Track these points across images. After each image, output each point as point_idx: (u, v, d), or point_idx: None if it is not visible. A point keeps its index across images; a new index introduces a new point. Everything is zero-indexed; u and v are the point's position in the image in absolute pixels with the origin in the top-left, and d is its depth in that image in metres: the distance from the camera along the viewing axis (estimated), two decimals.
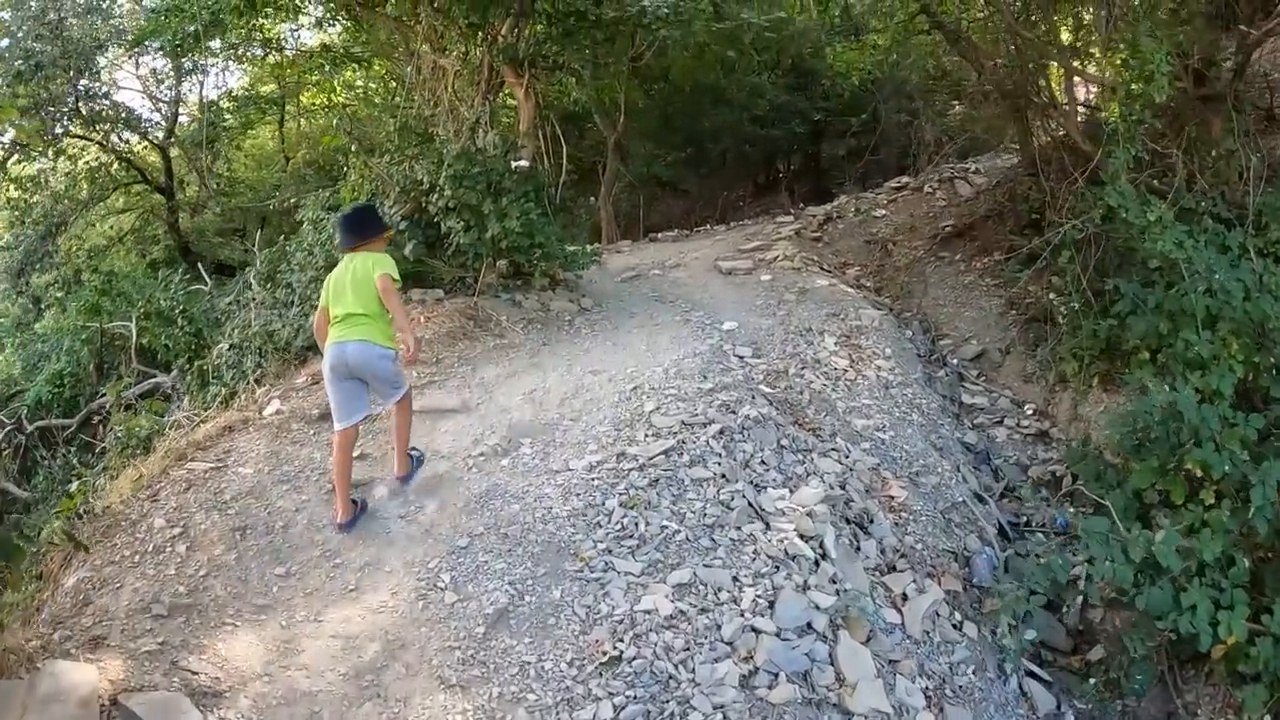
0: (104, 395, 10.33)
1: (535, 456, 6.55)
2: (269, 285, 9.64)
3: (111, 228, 20.46)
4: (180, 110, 19.80)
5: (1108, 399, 8.98)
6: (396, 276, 5.44)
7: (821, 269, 13.75)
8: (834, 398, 8.43)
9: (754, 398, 7.50)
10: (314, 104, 21.61)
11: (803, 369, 8.82)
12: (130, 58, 17.33)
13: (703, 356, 8.41)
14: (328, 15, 14.95)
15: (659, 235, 17.68)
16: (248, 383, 8.28)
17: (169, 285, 11.07)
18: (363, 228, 5.67)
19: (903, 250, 14.81)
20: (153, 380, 10.28)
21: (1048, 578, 6.03)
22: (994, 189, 14.70)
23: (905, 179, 18.58)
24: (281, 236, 10.38)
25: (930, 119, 21.47)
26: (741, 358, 8.75)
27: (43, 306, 15.70)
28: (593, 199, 19.18)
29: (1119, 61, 9.06)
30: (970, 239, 13.88)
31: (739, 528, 5.65)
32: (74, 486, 7.03)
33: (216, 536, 5.71)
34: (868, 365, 9.36)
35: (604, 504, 5.78)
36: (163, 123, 19.24)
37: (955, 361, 11.34)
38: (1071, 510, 7.55)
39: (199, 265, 14.53)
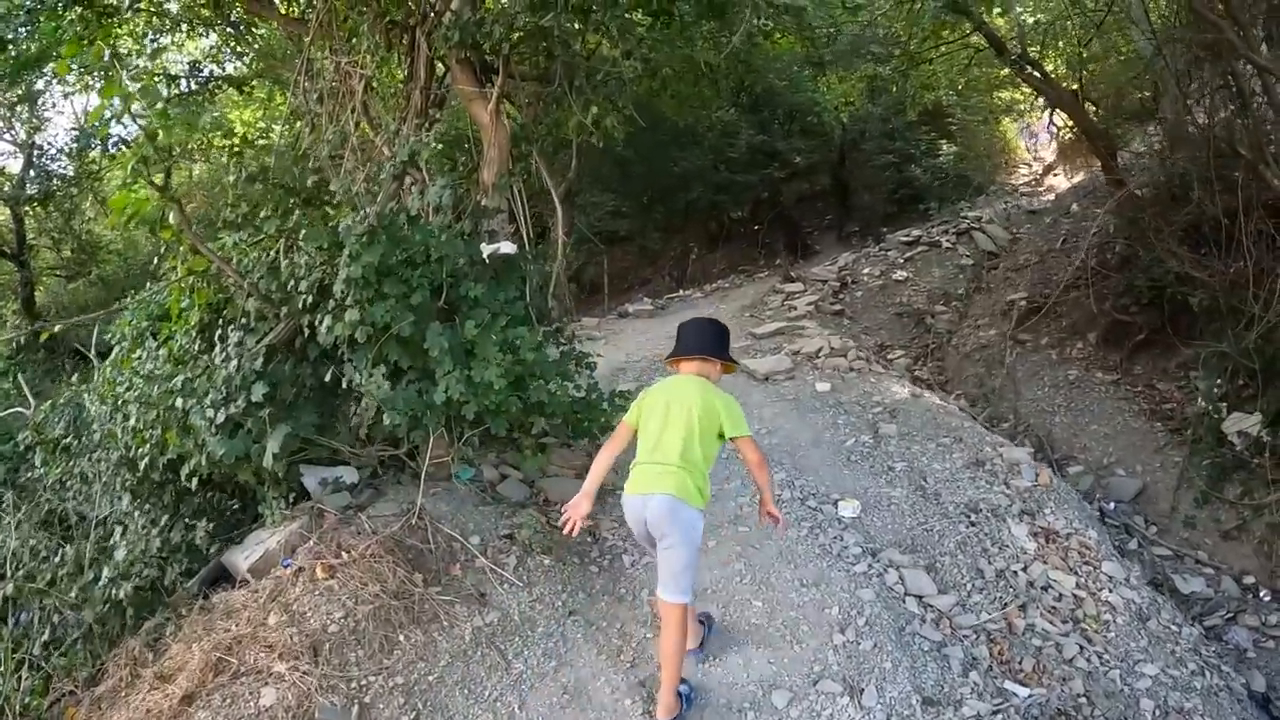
0: None
1: None
2: (56, 458, 5.16)
3: None
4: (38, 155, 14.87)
5: None
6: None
7: (878, 363, 9.77)
8: (1107, 674, 4.36)
9: None
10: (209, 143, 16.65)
11: (1022, 607, 4.76)
12: None
13: (870, 618, 4.32)
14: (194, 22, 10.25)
15: (630, 308, 13.41)
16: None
17: None
18: (721, 341, 3.92)
19: (962, 330, 10.96)
20: None
21: None
22: (1061, 249, 10.92)
23: (917, 232, 14.85)
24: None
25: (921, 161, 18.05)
26: (922, 599, 4.64)
27: None
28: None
29: None
30: (1054, 317, 10.09)
31: None
32: None
33: None
34: (1093, 574, 5.38)
35: None
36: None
37: (1112, 507, 7.50)
38: None
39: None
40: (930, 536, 5.39)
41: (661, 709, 3.70)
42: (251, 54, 11.47)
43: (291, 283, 4.70)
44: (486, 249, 4.48)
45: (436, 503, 5.08)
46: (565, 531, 3.72)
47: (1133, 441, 8.17)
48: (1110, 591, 5.21)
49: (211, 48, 11.87)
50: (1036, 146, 23.81)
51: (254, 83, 12.10)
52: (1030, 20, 10.61)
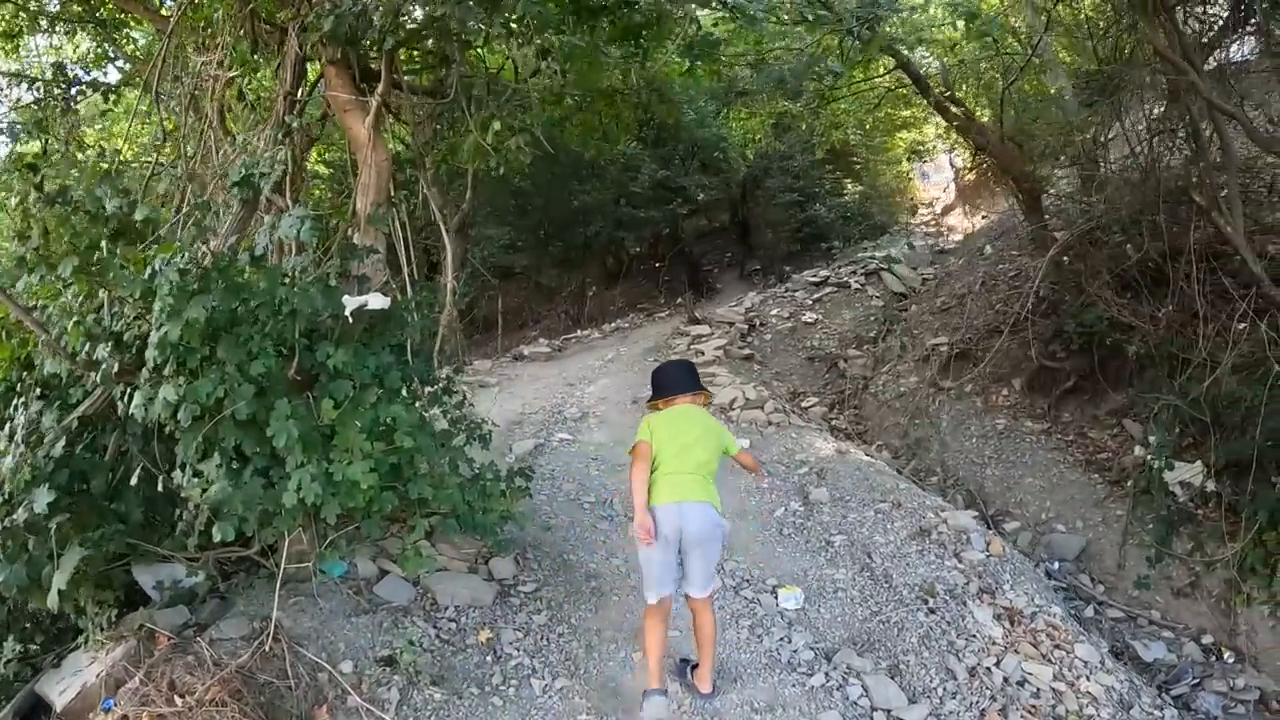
0: None
1: None
2: None
3: None
4: None
5: None
6: None
7: (797, 414, 9.12)
8: None
9: None
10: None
11: (1001, 710, 4.11)
12: None
13: None
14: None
15: (525, 350, 12.45)
16: None
17: None
18: (697, 377, 4.39)
19: (879, 375, 10.43)
20: None
21: None
22: (981, 292, 10.53)
23: (824, 272, 14.41)
24: None
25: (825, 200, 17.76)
26: (890, 713, 3.93)
27: None
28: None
29: None
30: (976, 363, 9.63)
31: None
32: None
33: None
34: (1068, 659, 4.74)
35: None
36: None
37: (1056, 566, 6.99)
38: None
39: None
40: (888, 630, 4.62)
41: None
42: (123, 57, 10.04)
43: (104, 340, 3.62)
44: (350, 303, 3.47)
45: (298, 616, 4.00)
46: (642, 541, 3.77)
47: (1071, 495, 7.68)
48: (1088, 679, 4.53)
49: (86, 51, 10.39)
50: (930, 187, 24.09)
51: (122, 90, 10.62)
52: (951, 62, 10.29)
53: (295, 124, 4.65)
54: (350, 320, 3.45)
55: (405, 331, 3.77)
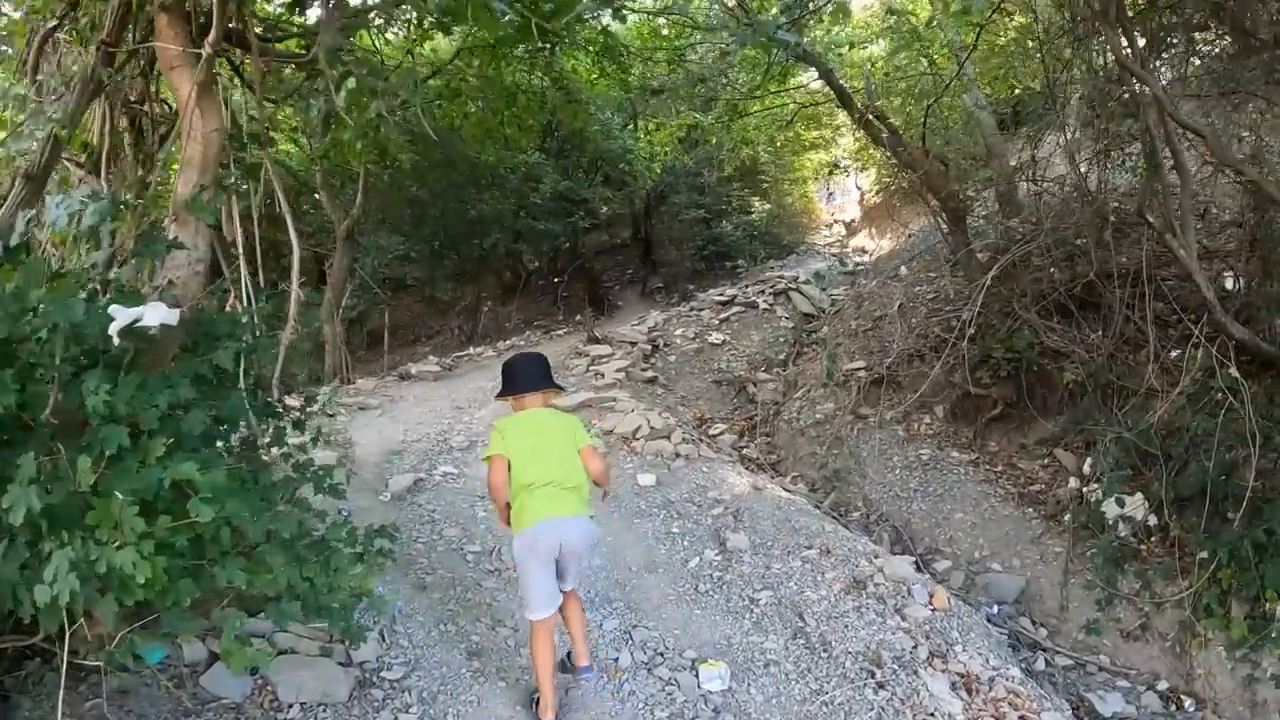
0: None
1: None
2: None
3: None
4: None
5: None
6: None
7: (706, 444, 8.41)
8: None
9: None
10: None
11: None
12: None
13: None
14: None
15: (413, 369, 11.37)
16: None
17: None
18: (550, 372, 4.09)
19: (791, 400, 9.80)
20: None
21: None
22: (899, 314, 10.02)
23: (731, 291, 13.80)
24: None
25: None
26: None
27: None
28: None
29: None
30: (896, 388, 9.12)
31: None
32: None
33: None
34: None
35: None
36: None
37: (995, 610, 6.43)
38: None
39: None
40: (833, 714, 3.82)
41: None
42: None
43: None
44: (121, 317, 2.41)
45: None
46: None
47: (1005, 531, 7.14)
48: None
49: None
50: (834, 208, 23.99)
51: None
52: (875, 76, 9.82)
53: (108, 79, 3.62)
54: (139, 344, 2.45)
55: (219, 355, 2.76)
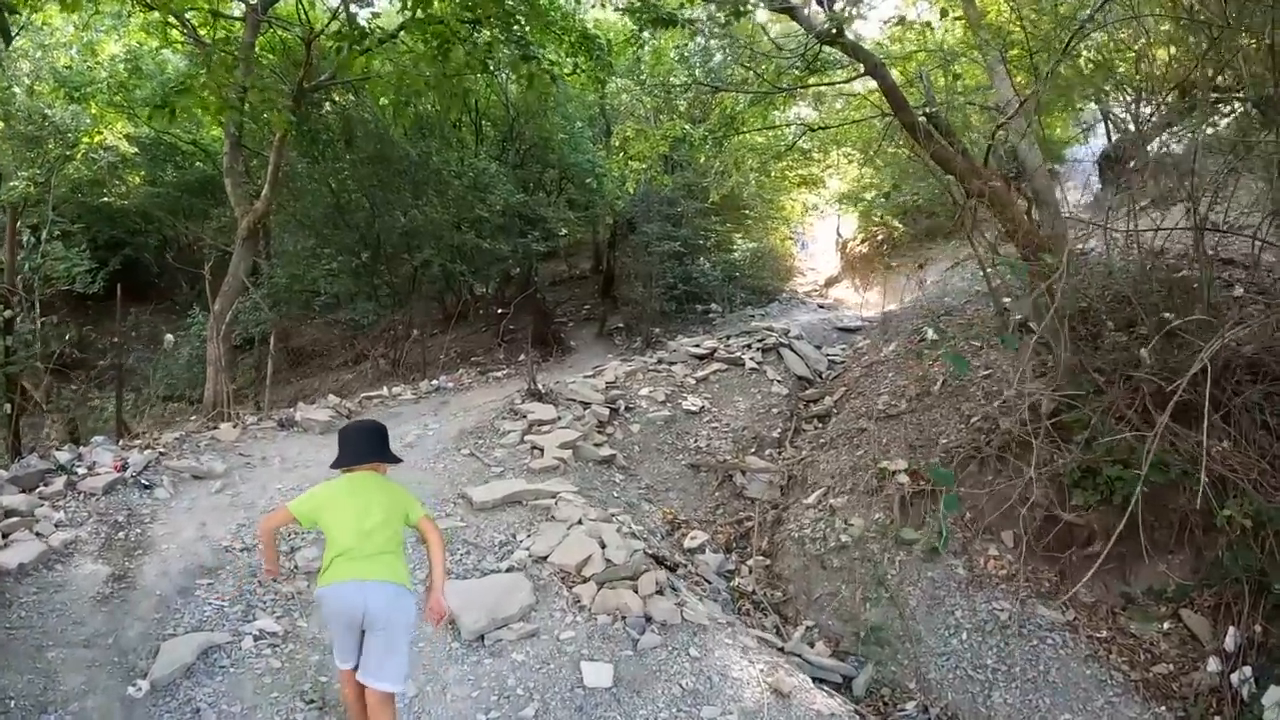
0: None
1: None
2: None
3: None
4: None
5: None
6: None
7: (694, 591, 5.95)
8: None
9: None
10: None
11: None
12: None
13: None
14: None
15: (298, 415, 8.59)
16: None
17: None
18: (387, 446, 3.89)
19: (800, 503, 7.34)
20: None
21: None
22: (944, 394, 7.70)
23: (710, 344, 11.34)
24: None
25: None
26: None
27: None
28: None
29: None
30: (934, 497, 6.73)
31: None
32: None
33: None
34: None
35: None
36: None
37: None
38: None
39: None
40: None
41: None
42: None
43: None
44: None
45: None
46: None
47: None
48: None
49: None
50: (808, 257, 21.85)
51: None
52: (938, 88, 7.54)
53: None
54: None
55: None
